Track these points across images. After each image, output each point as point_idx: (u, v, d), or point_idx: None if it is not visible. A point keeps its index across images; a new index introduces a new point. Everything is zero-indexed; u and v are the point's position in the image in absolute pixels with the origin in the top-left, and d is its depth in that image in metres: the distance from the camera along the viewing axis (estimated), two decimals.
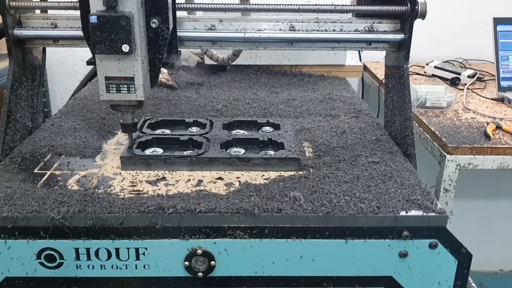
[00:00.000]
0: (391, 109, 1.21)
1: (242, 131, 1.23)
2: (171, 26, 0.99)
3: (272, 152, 1.10)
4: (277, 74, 1.83)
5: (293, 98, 1.55)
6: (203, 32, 1.06)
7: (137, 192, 0.93)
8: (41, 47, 1.18)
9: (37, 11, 1.11)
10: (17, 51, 1.08)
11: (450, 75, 2.05)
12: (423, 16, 1.01)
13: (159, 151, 1.09)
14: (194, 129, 1.22)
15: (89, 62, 1.00)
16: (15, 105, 1.09)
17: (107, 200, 0.89)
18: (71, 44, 1.09)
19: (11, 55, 1.06)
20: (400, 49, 1.09)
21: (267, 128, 1.24)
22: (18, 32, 1.06)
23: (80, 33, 1.04)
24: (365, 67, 2.18)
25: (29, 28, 1.07)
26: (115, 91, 0.96)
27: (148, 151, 1.09)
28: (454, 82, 2.02)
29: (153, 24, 0.94)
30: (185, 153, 1.09)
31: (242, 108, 1.45)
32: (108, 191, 0.94)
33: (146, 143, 1.12)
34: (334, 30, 1.09)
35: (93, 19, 0.87)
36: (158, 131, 1.20)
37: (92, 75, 1.80)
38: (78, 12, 1.05)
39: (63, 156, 1.10)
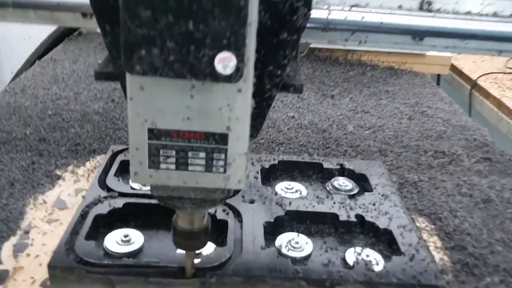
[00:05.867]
0: None
1: (292, 186, 0.65)
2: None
3: (379, 260, 0.52)
4: (326, 63, 1.23)
5: (362, 110, 0.96)
6: None
7: None
8: None
9: None
10: None
11: None
12: None
13: (135, 238, 0.52)
14: None
15: (102, 76, 0.41)
16: None
17: None
18: None
19: None
20: None
21: (342, 183, 0.66)
22: None
23: None
24: None
25: None
26: (173, 166, 0.38)
27: (111, 238, 0.51)
28: None
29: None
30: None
31: (283, 128, 0.86)
32: None
33: (112, 216, 0.54)
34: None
35: None
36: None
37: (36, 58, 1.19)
38: None
39: None
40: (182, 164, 0.38)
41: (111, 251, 0.52)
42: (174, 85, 0.34)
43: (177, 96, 0.35)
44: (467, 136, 0.87)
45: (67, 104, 0.87)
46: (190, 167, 0.38)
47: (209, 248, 0.52)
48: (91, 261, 0.48)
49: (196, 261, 0.50)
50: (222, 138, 0.37)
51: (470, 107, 1.35)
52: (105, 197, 0.57)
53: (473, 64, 1.48)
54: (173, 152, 0.37)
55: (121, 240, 0.53)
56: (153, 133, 0.36)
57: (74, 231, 0.52)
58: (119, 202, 0.57)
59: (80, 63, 1.09)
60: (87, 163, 0.69)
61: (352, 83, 1.11)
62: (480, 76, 1.36)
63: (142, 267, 0.49)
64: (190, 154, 0.37)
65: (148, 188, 0.59)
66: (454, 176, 0.73)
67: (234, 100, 0.35)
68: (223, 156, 0.37)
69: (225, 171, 0.38)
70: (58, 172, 0.67)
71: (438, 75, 1.42)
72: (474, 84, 1.34)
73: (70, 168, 0.68)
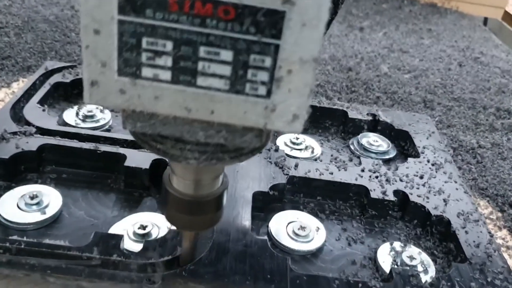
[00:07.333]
0: None
1: (300, 140, 0.44)
2: None
3: (429, 265, 0.33)
4: None
5: (399, 48, 0.75)
6: None
7: None
8: None
9: None
10: None
11: None
12: None
13: (49, 201, 0.33)
14: None
15: None
16: None
17: None
18: None
19: None
20: None
21: (374, 141, 0.46)
22: None
23: None
24: None
25: None
26: (167, 74, 0.19)
27: (10, 199, 0.32)
28: None
29: None
30: (129, 247, 0.31)
31: None
32: None
33: (17, 164, 0.35)
34: None
35: None
36: (75, 120, 0.42)
37: None
38: None
39: None
40: (185, 71, 0.19)
41: (6, 221, 0.32)
42: None
43: None
44: None
45: (9, 6, 0.65)
46: (200, 80, 0.19)
47: (154, 230, 0.32)
48: None
49: (135, 247, 0.30)
50: (272, 22, 0.17)
51: None
52: (13, 133, 0.37)
53: None
54: (169, 45, 0.18)
55: (25, 204, 0.33)
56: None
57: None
58: (32, 143, 0.37)
59: None
60: (14, 84, 0.49)
61: (386, 16, 0.89)
62: None
63: (46, 255, 0.29)
64: (202, 51, 0.18)
65: (90, 125, 0.39)
66: None
67: None
68: (268, 61, 0.18)
69: (269, 95, 0.19)
70: None
71: (485, 19, 1.18)
72: None
73: None
